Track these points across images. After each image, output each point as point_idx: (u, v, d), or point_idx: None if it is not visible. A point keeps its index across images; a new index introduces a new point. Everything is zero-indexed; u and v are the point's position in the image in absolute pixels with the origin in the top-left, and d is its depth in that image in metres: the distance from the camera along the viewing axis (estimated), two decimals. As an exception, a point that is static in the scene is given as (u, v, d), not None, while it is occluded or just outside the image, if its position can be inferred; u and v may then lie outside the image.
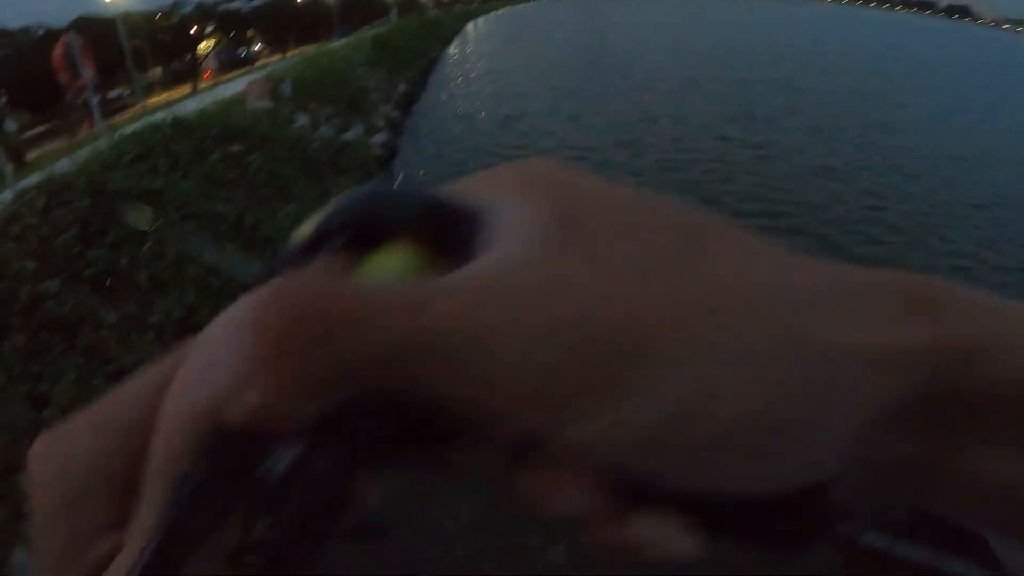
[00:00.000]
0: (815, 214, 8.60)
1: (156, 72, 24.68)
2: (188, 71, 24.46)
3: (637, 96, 16.03)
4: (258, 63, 23.51)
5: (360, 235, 0.18)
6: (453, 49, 25.74)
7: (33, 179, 7.52)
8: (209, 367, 0.16)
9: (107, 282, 5.52)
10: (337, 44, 17.52)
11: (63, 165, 7.20)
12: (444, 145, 10.98)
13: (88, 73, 10.31)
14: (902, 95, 19.70)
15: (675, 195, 0.20)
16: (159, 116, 8.66)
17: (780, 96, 17.06)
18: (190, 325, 5.44)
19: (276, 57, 20.90)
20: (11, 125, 16.10)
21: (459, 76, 19.19)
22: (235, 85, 13.24)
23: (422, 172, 9.60)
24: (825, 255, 0.20)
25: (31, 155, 14.83)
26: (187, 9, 25.82)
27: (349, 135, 9.62)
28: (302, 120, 9.40)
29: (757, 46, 32.57)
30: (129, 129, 8.35)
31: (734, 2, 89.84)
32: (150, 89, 19.11)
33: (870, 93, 19.19)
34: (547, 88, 16.82)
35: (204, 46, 26.80)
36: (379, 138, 10.07)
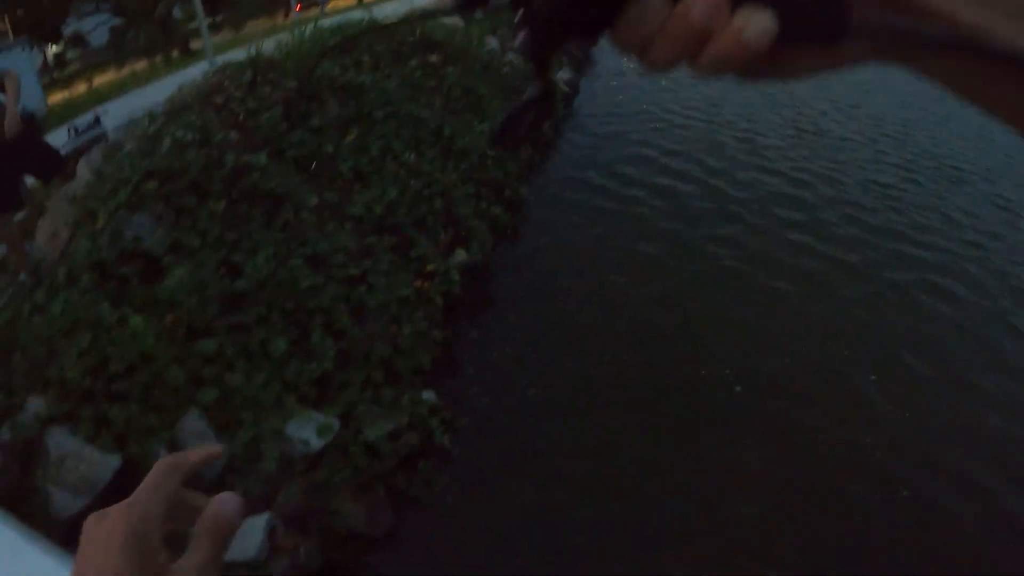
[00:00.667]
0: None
1: (325, -18, 25.11)
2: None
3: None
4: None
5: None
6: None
7: (232, 55, 7.57)
8: None
9: (311, 166, 5.38)
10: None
11: (268, 46, 7.17)
12: (617, 95, 10.40)
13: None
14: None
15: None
16: (356, 15, 8.54)
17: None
18: (387, 224, 5.26)
19: (447, -17, 20.66)
20: (177, 13, 16.82)
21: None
22: (398, 6, 13.03)
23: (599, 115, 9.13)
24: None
25: (193, 45, 15.44)
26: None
27: (536, 65, 9.21)
28: (493, 44, 9.08)
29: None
30: (326, 23, 8.27)
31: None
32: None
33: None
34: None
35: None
36: (564, 73, 9.65)
